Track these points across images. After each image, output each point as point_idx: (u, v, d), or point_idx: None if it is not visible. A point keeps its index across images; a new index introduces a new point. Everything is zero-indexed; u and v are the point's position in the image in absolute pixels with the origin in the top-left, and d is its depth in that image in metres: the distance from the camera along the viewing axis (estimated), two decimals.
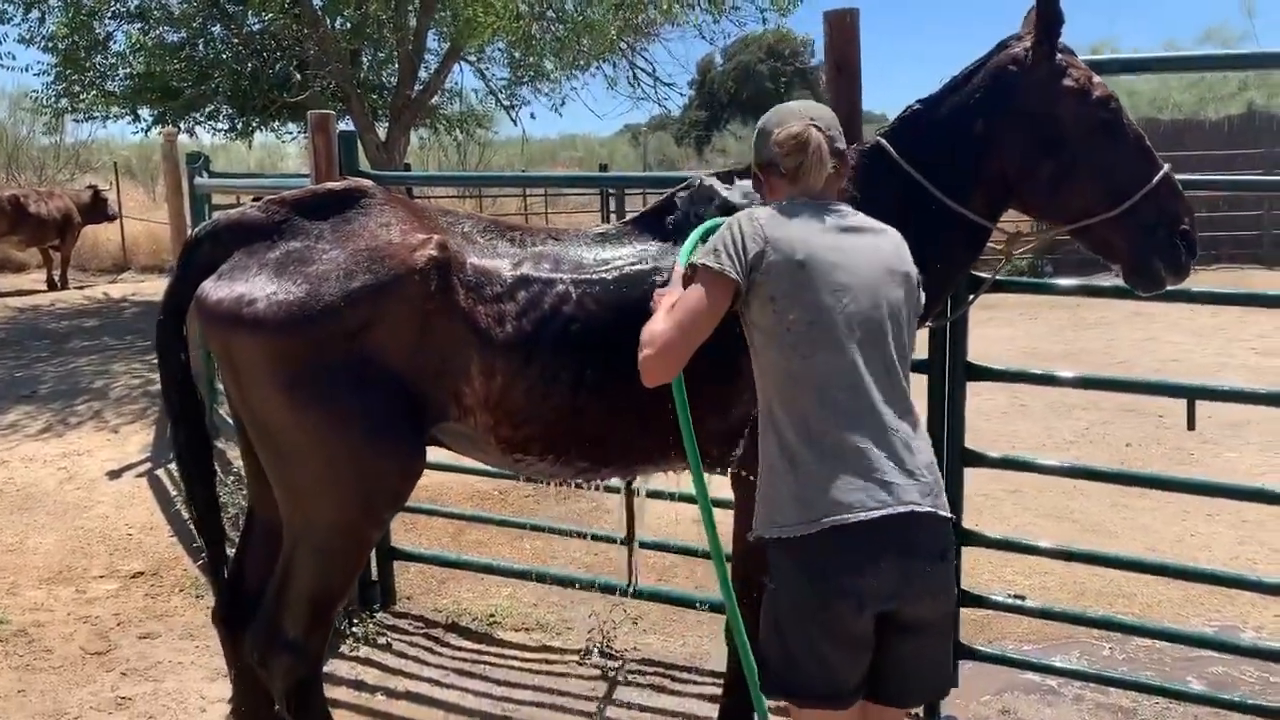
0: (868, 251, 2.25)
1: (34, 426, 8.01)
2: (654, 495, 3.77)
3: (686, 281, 2.28)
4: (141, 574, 5.06)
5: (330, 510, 2.60)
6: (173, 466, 6.89)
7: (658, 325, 2.22)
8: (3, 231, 15.53)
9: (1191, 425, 3.16)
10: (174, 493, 6.32)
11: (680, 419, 2.41)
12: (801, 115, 2.39)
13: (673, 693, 3.87)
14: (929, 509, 2.12)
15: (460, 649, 4.25)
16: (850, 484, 2.09)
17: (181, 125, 14.33)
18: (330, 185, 2.79)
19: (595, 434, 2.75)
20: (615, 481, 3.14)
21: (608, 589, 4.34)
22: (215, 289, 2.55)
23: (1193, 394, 3.20)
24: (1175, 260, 2.72)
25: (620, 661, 4.10)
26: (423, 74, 14.02)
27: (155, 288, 16.49)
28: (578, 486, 3.08)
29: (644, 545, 4.23)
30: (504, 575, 4.62)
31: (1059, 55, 2.72)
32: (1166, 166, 2.71)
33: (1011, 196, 2.83)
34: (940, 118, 2.81)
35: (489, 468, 3.13)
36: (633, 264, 2.76)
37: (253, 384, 2.53)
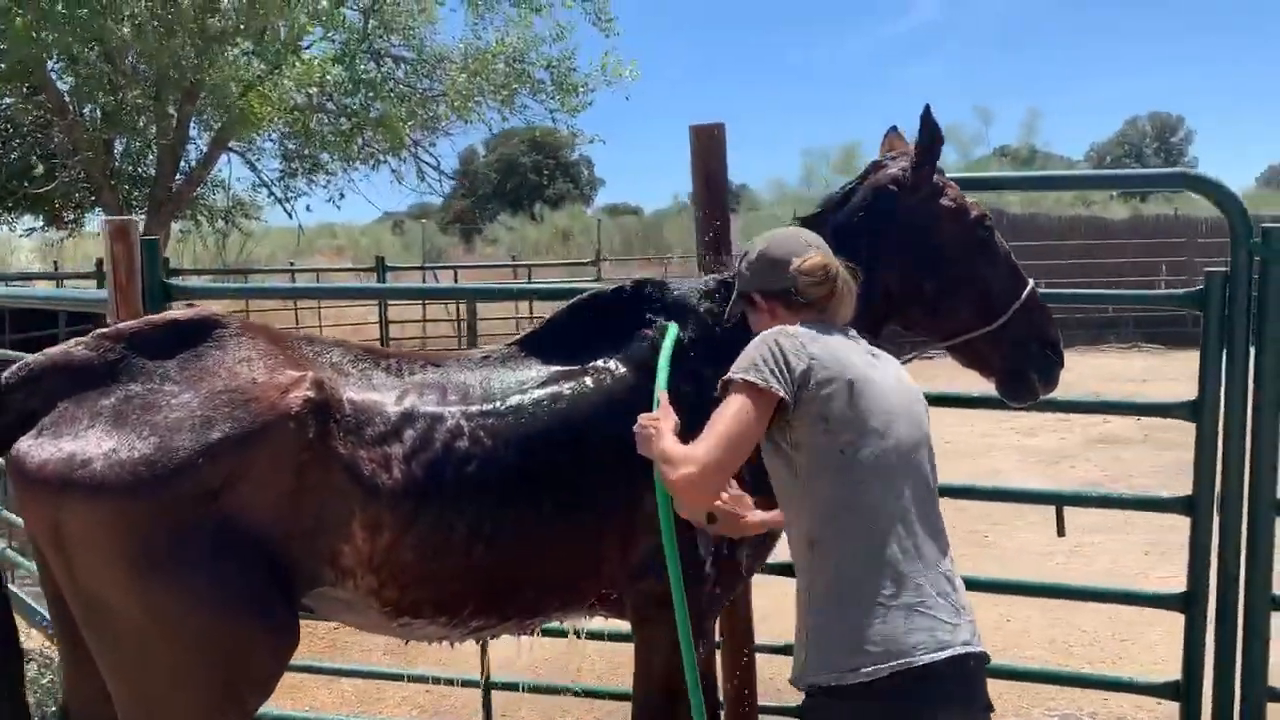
0: (893, 376, 2.21)
1: None
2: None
3: (713, 401, 2.14)
4: None
5: (185, 708, 2.19)
6: None
7: (697, 446, 2.03)
8: None
9: (1061, 531, 3.23)
10: None
11: (665, 538, 2.28)
12: (806, 243, 2.37)
13: None
14: (979, 649, 2.04)
15: None
16: (912, 623, 1.97)
17: None
18: (173, 314, 2.40)
19: (495, 589, 2.49)
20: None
21: None
22: (36, 449, 2.10)
23: (1061, 500, 3.28)
24: (1048, 371, 2.79)
25: None
26: (183, 164, 13.19)
27: None
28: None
29: (499, 686, 3.91)
30: None
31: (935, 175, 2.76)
32: (1032, 282, 2.78)
33: (893, 314, 2.82)
34: (830, 234, 2.77)
35: None
36: (536, 390, 2.54)
37: (87, 561, 2.10)
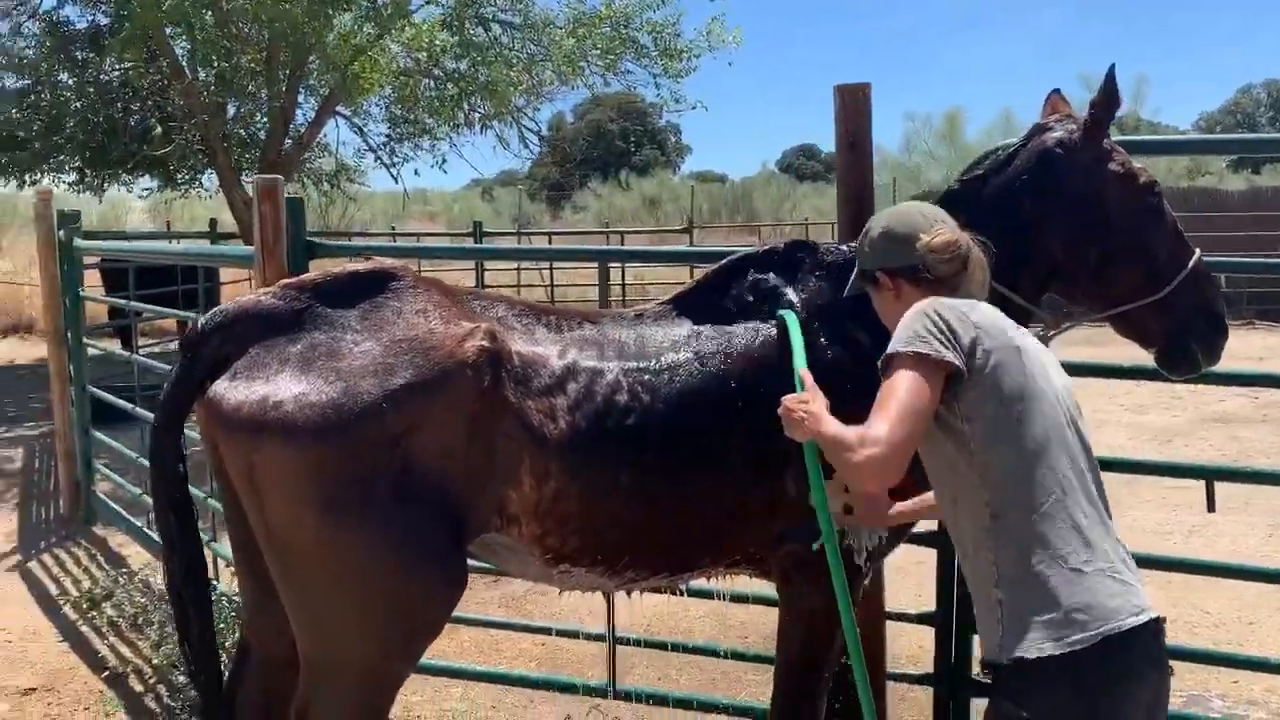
0: (1038, 342, 2.17)
1: None
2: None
3: (882, 374, 2.08)
4: (34, 690, 4.45)
5: (363, 646, 2.27)
6: (47, 558, 6.21)
7: (874, 426, 1.96)
8: None
9: (1211, 507, 3.15)
10: (54, 590, 5.66)
11: (815, 498, 2.29)
12: (930, 219, 2.31)
13: None
14: (1158, 612, 2.00)
15: None
16: (1109, 589, 1.94)
17: (27, 178, 13.28)
18: (353, 267, 2.47)
19: (650, 541, 2.53)
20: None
21: (575, 689, 4.05)
22: (231, 390, 2.20)
23: (1210, 475, 3.21)
24: (1212, 343, 2.71)
25: None
26: (292, 129, 13.47)
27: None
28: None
29: (624, 641, 3.97)
30: (465, 678, 4.24)
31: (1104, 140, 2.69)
32: (1199, 251, 2.70)
33: (1055, 282, 2.77)
34: (985, 199, 2.73)
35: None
36: (690, 348, 2.57)
37: (279, 501, 2.19)
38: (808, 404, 2.17)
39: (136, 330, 7.95)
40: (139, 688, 4.46)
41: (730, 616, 4.99)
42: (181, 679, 4.38)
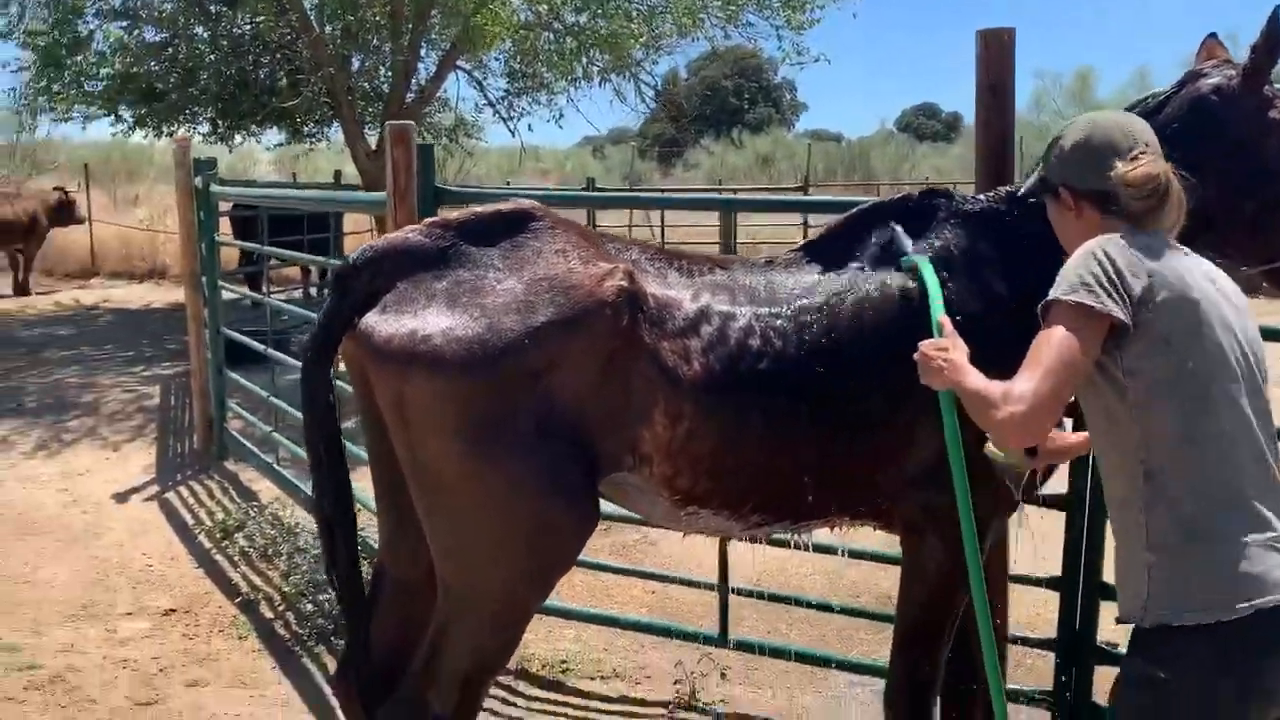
0: (1231, 290, 2.00)
1: (26, 444, 7.55)
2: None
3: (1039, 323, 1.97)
4: (173, 611, 4.70)
5: (502, 575, 2.34)
6: (183, 490, 6.53)
7: (1022, 381, 1.87)
8: None
9: None
10: (189, 520, 5.96)
11: (951, 450, 2.23)
12: (1134, 139, 2.10)
13: None
14: None
15: (535, 699, 3.97)
16: (1270, 561, 1.84)
17: (164, 128, 13.83)
18: (497, 207, 2.52)
19: (778, 487, 2.53)
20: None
21: (687, 636, 4.10)
22: (382, 324, 2.26)
23: None
24: None
25: (711, 716, 3.84)
26: (414, 83, 13.69)
27: (127, 295, 15.97)
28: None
29: (737, 592, 4.00)
30: (579, 620, 4.33)
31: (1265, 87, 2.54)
32: None
33: (1207, 235, 2.64)
34: None
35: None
36: (822, 294, 2.55)
37: (427, 432, 2.26)
38: (947, 351, 2.09)
39: (267, 276, 8.25)
40: (269, 614, 4.68)
41: (842, 575, 4.97)
42: (309, 607, 4.58)
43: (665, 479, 2.45)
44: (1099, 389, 1.97)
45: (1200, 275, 1.97)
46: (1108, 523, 2.23)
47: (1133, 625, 1.95)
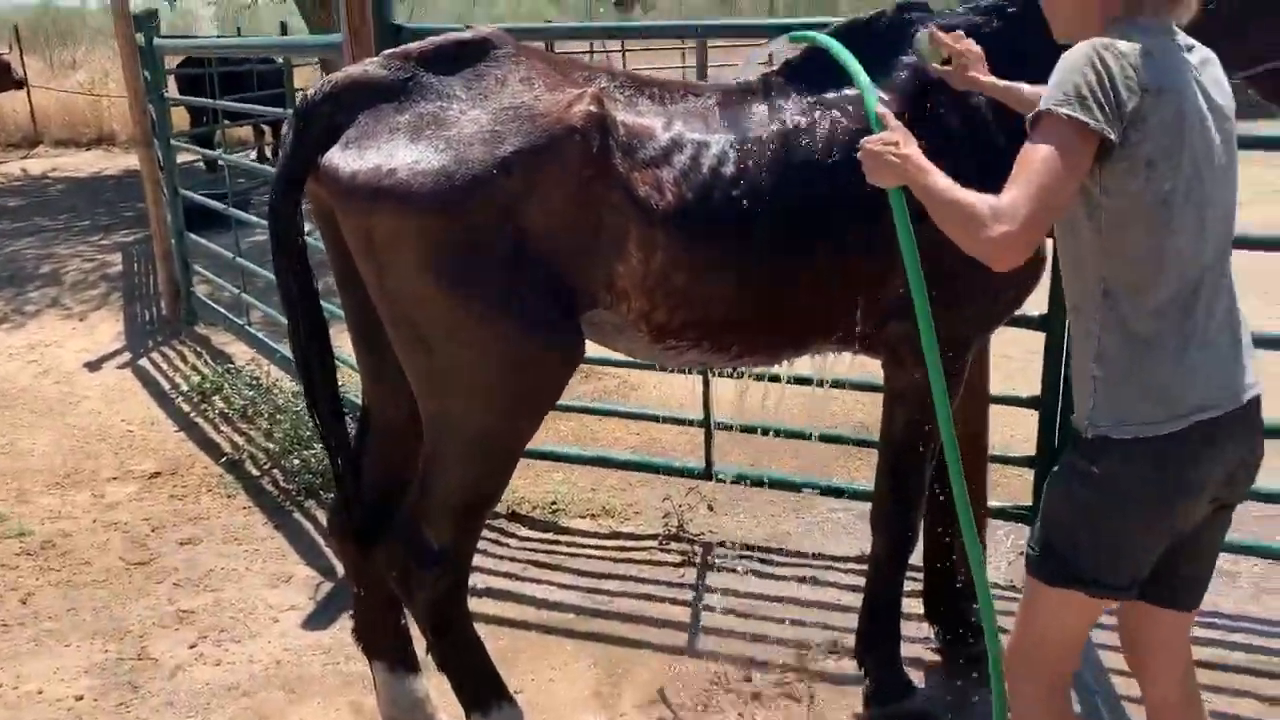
0: (1217, 90, 1.89)
1: None
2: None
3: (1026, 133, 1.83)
4: (159, 474, 4.71)
5: (485, 408, 2.32)
6: (155, 356, 6.47)
7: (1011, 197, 1.75)
8: None
9: None
10: (166, 385, 5.92)
11: (906, 255, 2.05)
12: None
13: (766, 576, 3.74)
14: (1260, 390, 1.93)
15: (528, 540, 4.05)
16: (1211, 376, 1.85)
17: None
18: (455, 35, 2.40)
19: (757, 317, 2.52)
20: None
21: (673, 471, 4.17)
22: (346, 159, 2.18)
23: None
24: None
25: (701, 547, 3.94)
26: None
27: (76, 162, 15.45)
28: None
29: (720, 426, 4.04)
30: (567, 461, 4.37)
31: None
32: None
33: (1230, 32, 2.51)
34: None
35: None
36: (796, 119, 2.47)
37: (398, 270, 2.20)
38: (897, 145, 1.95)
39: (222, 135, 7.98)
40: (255, 472, 4.70)
41: (820, 408, 5.03)
42: (295, 463, 4.61)
43: (642, 314, 2.42)
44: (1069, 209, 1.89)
45: (1195, 84, 1.85)
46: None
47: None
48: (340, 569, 3.66)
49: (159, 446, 5.05)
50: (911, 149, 1.94)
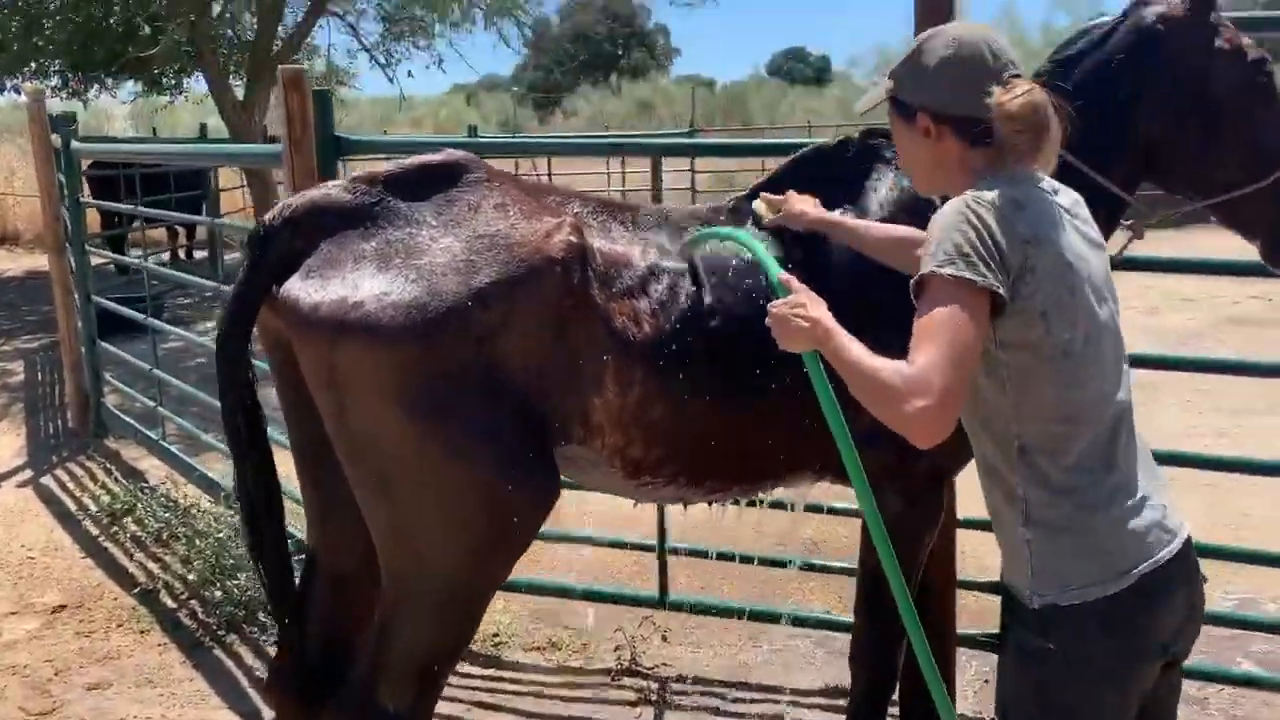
0: (1087, 233, 1.84)
1: None
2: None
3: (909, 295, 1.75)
4: (63, 607, 4.34)
5: (451, 554, 2.14)
6: (60, 473, 6.07)
7: (922, 367, 1.62)
8: None
9: None
10: (72, 506, 5.53)
11: (831, 419, 1.87)
12: (1003, 60, 1.83)
13: (726, 714, 3.54)
14: (1187, 528, 1.85)
15: (469, 677, 3.78)
16: (1145, 522, 1.77)
17: (6, 82, 12.80)
18: (425, 158, 2.27)
19: (738, 450, 2.41)
20: None
21: (625, 600, 3.98)
22: (307, 290, 2.02)
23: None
24: None
25: (657, 682, 3.73)
26: (281, 29, 12.98)
27: None
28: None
29: (672, 552, 3.88)
30: (507, 590, 4.13)
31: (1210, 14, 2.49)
32: None
33: (1151, 166, 2.59)
34: (1079, 79, 2.52)
35: None
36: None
37: (361, 402, 2.04)
38: (805, 308, 1.82)
39: (141, 238, 7.70)
40: (171, 604, 4.36)
41: (766, 526, 4.89)
42: (216, 594, 4.28)
43: (617, 449, 2.30)
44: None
45: (1070, 227, 1.81)
46: None
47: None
48: (267, 714, 3.36)
49: (63, 576, 4.66)
50: (819, 311, 1.82)
